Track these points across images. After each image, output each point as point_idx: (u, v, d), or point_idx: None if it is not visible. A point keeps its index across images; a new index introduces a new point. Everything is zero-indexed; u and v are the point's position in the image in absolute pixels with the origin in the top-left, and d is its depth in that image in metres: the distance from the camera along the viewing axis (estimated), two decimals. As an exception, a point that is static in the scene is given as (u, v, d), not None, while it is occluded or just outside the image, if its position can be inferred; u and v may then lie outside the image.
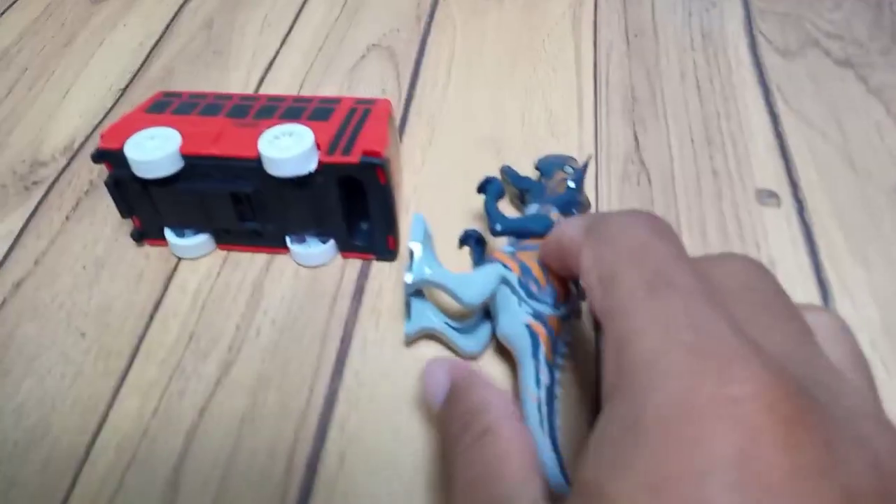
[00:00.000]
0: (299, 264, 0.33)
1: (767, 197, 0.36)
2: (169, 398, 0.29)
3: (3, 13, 0.50)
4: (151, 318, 0.32)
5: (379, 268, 0.33)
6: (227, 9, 0.50)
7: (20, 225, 0.36)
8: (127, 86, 0.44)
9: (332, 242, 0.33)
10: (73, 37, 0.48)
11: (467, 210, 0.35)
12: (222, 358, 0.30)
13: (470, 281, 0.27)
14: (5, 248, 0.35)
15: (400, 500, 0.26)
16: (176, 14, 0.50)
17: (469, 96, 0.42)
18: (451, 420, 0.22)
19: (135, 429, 0.28)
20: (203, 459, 0.27)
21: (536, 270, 0.27)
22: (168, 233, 0.34)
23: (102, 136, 0.31)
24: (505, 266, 0.27)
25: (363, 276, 0.33)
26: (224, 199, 0.32)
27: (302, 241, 0.33)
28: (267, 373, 0.30)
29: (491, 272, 0.27)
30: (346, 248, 0.33)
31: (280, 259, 0.34)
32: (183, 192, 0.32)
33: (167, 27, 0.49)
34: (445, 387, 0.24)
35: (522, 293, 0.26)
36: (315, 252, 0.33)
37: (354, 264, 0.33)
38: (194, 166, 0.31)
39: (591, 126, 0.40)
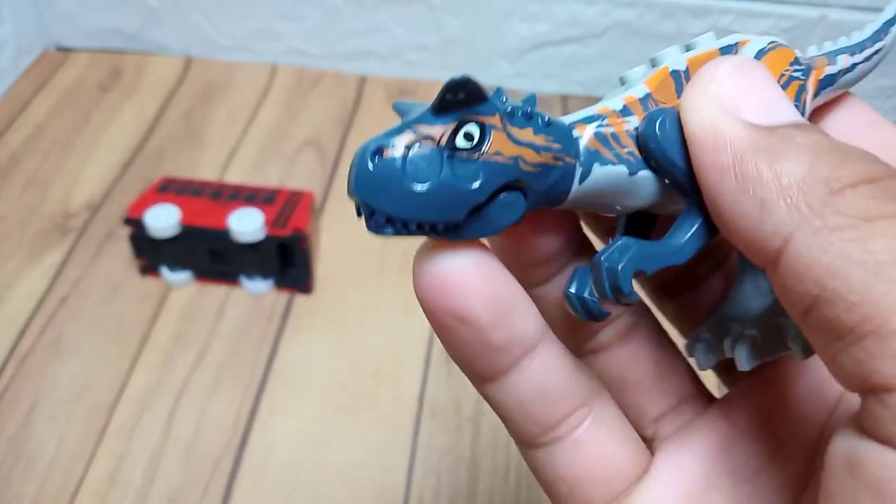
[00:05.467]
0: (249, 294, 0.53)
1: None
2: (162, 371, 0.48)
3: (34, 96, 0.68)
4: (152, 323, 0.51)
5: (301, 297, 0.53)
6: (202, 102, 0.69)
7: (62, 257, 0.54)
8: (130, 159, 0.63)
9: (271, 280, 0.52)
10: (88, 118, 0.67)
11: (367, 260, 0.55)
12: (198, 350, 0.49)
13: None
14: (54, 272, 0.53)
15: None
16: (163, 104, 0.69)
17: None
18: None
19: (146, 391, 0.47)
20: (189, 407, 0.46)
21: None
22: (164, 269, 0.53)
23: (130, 209, 0.50)
24: None
25: (290, 302, 0.52)
26: (204, 251, 0.51)
27: (251, 278, 0.52)
28: (226, 360, 0.49)
29: None
30: (279, 285, 0.53)
31: (236, 289, 0.53)
32: (179, 246, 0.51)
33: (158, 115, 0.68)
34: None
35: None
36: (260, 286, 0.52)
37: (284, 295, 0.53)
38: (188, 231, 0.50)
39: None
